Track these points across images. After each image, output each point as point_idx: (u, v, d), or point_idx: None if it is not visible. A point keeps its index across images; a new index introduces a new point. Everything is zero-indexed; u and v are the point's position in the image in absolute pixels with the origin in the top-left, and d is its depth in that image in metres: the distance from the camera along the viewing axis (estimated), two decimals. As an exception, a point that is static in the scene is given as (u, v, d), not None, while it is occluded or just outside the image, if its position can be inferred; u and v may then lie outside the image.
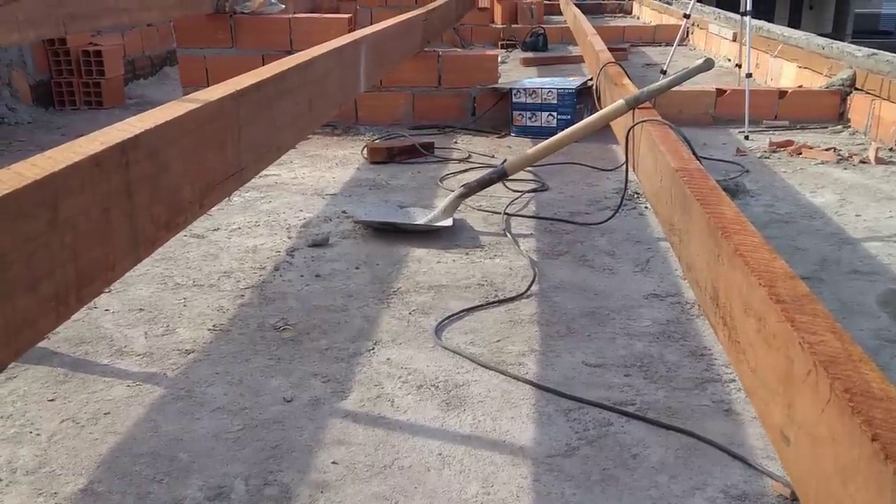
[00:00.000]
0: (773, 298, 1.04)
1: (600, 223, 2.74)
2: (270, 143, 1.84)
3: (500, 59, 5.71)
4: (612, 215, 2.72)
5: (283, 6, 4.40)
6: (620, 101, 2.57)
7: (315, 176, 3.43)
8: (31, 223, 0.94)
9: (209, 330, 2.00)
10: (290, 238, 2.65)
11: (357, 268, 2.39)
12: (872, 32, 22.69)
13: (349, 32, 3.72)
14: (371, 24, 4.49)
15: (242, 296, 2.21)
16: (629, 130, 2.40)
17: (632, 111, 2.54)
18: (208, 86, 4.29)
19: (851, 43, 5.46)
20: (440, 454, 1.49)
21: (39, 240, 0.96)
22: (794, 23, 17.82)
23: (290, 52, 3.99)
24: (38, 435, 1.55)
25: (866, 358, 0.88)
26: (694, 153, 1.93)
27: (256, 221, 2.82)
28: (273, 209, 2.96)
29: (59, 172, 1.00)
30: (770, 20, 7.91)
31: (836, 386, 0.82)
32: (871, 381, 0.83)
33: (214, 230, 2.72)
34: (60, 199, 1.00)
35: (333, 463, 1.47)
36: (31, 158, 1.02)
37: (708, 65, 2.57)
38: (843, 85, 4.34)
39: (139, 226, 1.22)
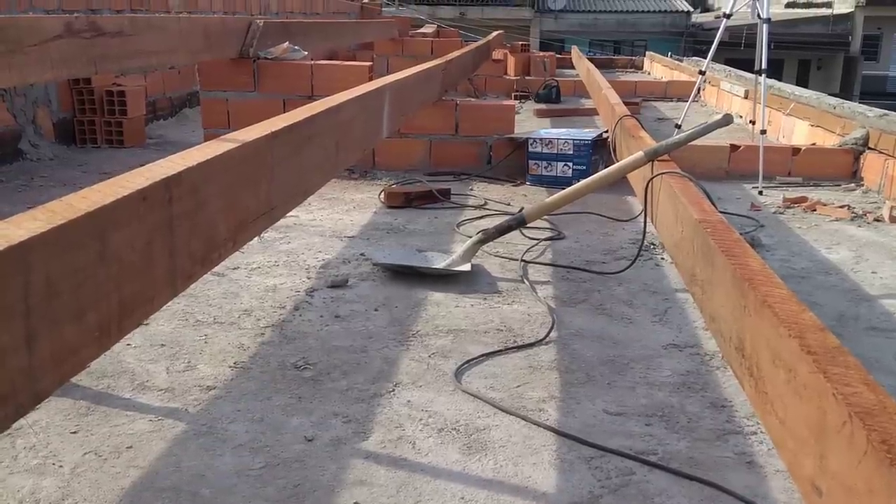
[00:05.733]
0: (804, 349, 1.05)
1: (618, 272, 2.76)
2: (300, 183, 1.87)
3: (515, 109, 5.79)
4: (630, 265, 2.74)
5: (306, 53, 4.50)
6: (640, 154, 2.61)
7: (333, 218, 3.47)
8: (81, 254, 0.97)
9: (230, 367, 2.01)
10: (309, 278, 2.67)
11: (376, 310, 2.41)
12: (880, 94, 22.99)
13: (369, 80, 3.80)
14: (388, 72, 4.57)
15: (263, 334, 2.22)
16: (648, 182, 2.43)
17: (650, 163, 2.57)
18: (229, 128, 4.37)
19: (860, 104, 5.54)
20: (462, 498, 1.49)
21: (88, 270, 0.98)
22: (802, 83, 18.09)
23: (311, 98, 4.07)
24: (61, 467, 1.56)
25: (901, 410, 0.88)
26: (714, 206, 1.96)
27: (276, 261, 2.85)
28: (292, 250, 2.99)
29: (109, 205, 1.03)
30: (778, 79, 8.04)
31: (873, 437, 0.83)
32: (908, 433, 0.83)
33: (234, 269, 2.75)
34: (109, 232, 1.02)
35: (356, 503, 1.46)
36: (82, 191, 1.05)
37: (727, 120, 2.62)
38: (856, 144, 4.39)
39: (178, 260, 1.24)
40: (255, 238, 2.67)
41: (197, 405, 1.81)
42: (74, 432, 1.68)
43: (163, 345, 2.13)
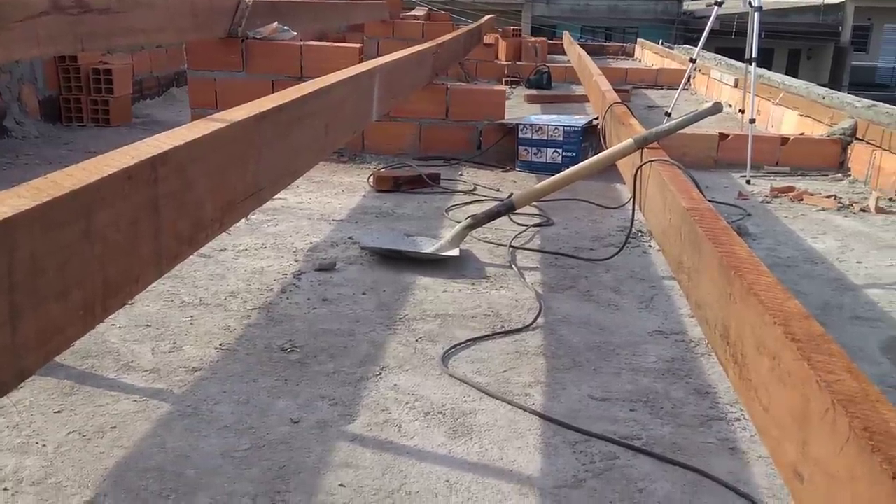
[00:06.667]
0: (788, 337, 1.05)
1: (605, 259, 2.76)
2: (288, 165, 1.86)
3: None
4: (617, 252, 2.75)
5: (295, 33, 4.46)
6: (629, 141, 2.61)
7: (322, 201, 3.46)
8: (66, 232, 0.96)
9: (216, 349, 2.01)
10: (296, 261, 2.66)
11: (364, 293, 2.40)
12: (869, 85, 23.10)
13: (359, 62, 3.77)
14: (378, 54, 4.54)
15: (249, 316, 2.21)
16: (637, 169, 2.43)
17: (640, 151, 2.57)
18: (217, 108, 4.32)
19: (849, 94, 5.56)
20: (447, 481, 1.49)
21: (73, 248, 0.97)
22: (792, 72, 18.12)
23: (300, 79, 4.04)
24: (45, 446, 1.55)
25: (883, 398, 0.89)
26: (702, 194, 1.96)
27: (263, 244, 2.83)
28: (279, 232, 2.98)
29: (94, 184, 1.02)
30: (768, 69, 8.05)
31: (856, 424, 0.83)
32: (889, 421, 0.84)
33: (221, 250, 2.73)
34: (94, 210, 1.01)
35: (341, 485, 1.47)
36: (67, 169, 1.04)
37: (716, 108, 2.62)
38: (843, 134, 4.41)
39: (163, 240, 1.23)
40: (243, 220, 2.66)
41: (182, 386, 1.81)
42: (58, 412, 1.67)
43: (148, 325, 2.12)
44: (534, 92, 7.48)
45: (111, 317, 2.15)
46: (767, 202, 3.76)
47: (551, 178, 2.87)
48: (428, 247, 2.77)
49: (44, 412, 1.67)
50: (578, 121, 4.29)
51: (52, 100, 5.09)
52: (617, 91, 4.05)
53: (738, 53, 6.57)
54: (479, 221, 2.83)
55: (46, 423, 1.63)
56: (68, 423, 1.64)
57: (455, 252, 2.71)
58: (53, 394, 1.75)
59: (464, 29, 7.11)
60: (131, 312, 2.19)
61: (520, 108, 6.37)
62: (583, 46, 8.91)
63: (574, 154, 4.07)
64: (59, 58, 5.02)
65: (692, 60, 5.52)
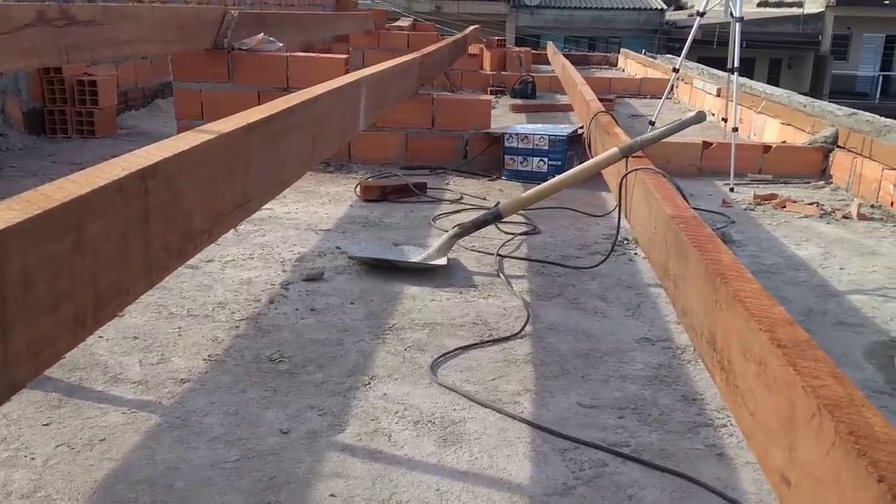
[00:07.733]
0: (774, 343, 1.07)
1: (592, 267, 2.78)
2: (276, 176, 1.87)
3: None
4: (604, 260, 2.77)
5: (281, 44, 4.46)
6: (615, 149, 2.63)
7: (308, 211, 3.46)
8: (57, 245, 0.96)
9: (204, 360, 2.00)
10: (284, 272, 2.66)
11: (352, 303, 2.41)
12: (849, 93, 23.36)
13: (345, 73, 3.78)
14: (364, 65, 4.56)
15: (237, 327, 2.21)
16: (623, 178, 2.45)
17: (625, 159, 2.60)
18: (203, 119, 4.31)
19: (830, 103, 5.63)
20: (438, 490, 1.50)
21: (64, 261, 0.98)
22: (773, 81, 18.32)
23: (286, 90, 4.05)
24: (33, 459, 1.54)
25: (868, 402, 0.90)
26: (687, 202, 1.98)
27: (250, 254, 2.83)
28: (267, 242, 2.98)
29: (85, 196, 1.02)
30: (750, 78, 8.13)
31: (841, 429, 0.85)
32: (874, 425, 0.85)
33: (208, 261, 2.73)
34: (85, 223, 1.02)
35: (332, 496, 1.47)
36: (57, 182, 1.04)
37: (700, 117, 2.65)
38: (825, 142, 4.46)
39: (153, 252, 1.23)
40: (231, 230, 2.65)
41: (171, 398, 1.81)
42: (46, 424, 1.67)
43: (136, 337, 2.12)
44: (519, 101, 7.52)
45: (99, 329, 2.14)
46: (751, 210, 3.80)
47: (537, 187, 2.89)
48: (415, 256, 2.78)
49: (32, 425, 1.66)
50: (563, 130, 4.31)
51: (36, 111, 5.06)
52: (601, 100, 4.08)
53: (720, 63, 6.65)
54: (466, 230, 2.84)
55: (35, 435, 1.62)
56: (57, 435, 1.63)
57: (443, 261, 2.72)
58: (41, 407, 1.74)
59: (449, 39, 7.14)
60: (119, 324, 2.19)
61: (505, 118, 6.39)
62: (567, 56, 8.96)
63: (560, 163, 4.09)
64: (44, 69, 5.00)
65: (675, 70, 5.58)
